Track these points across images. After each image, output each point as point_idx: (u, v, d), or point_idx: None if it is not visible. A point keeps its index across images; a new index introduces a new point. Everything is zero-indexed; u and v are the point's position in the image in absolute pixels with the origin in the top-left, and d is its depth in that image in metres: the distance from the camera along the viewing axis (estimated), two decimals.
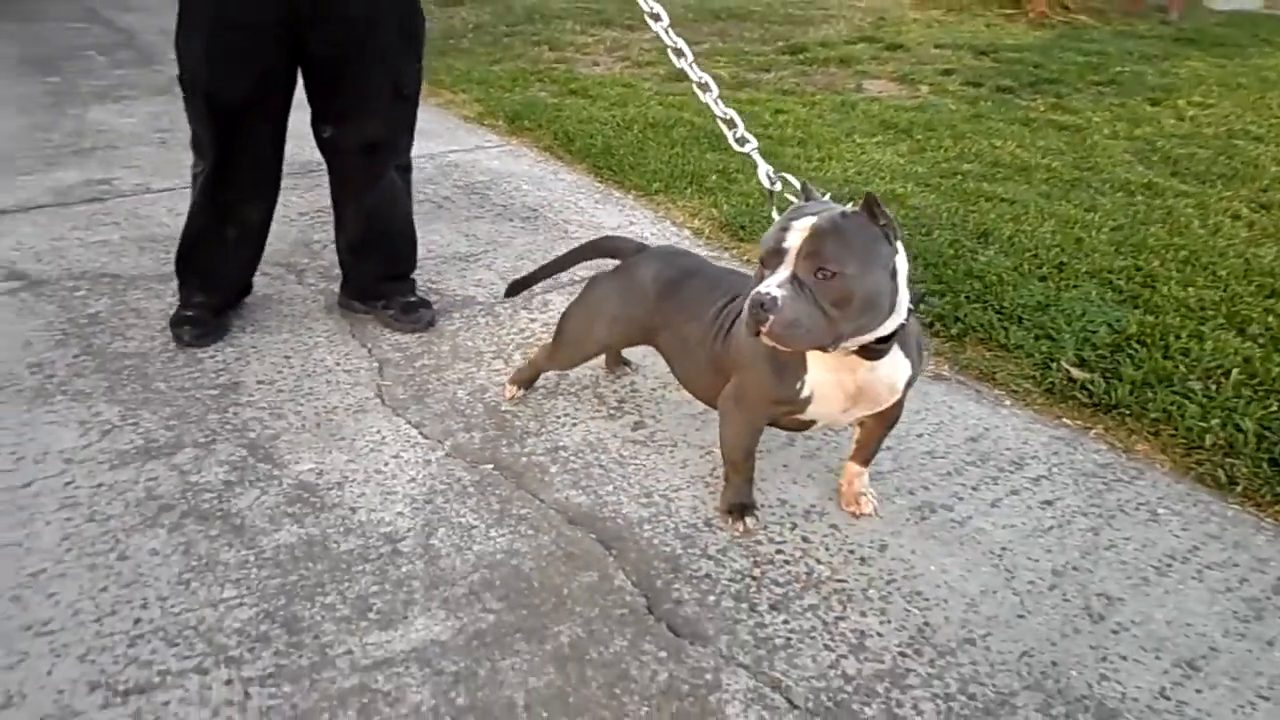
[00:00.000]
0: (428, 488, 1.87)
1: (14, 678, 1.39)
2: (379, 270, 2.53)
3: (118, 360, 2.29)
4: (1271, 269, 2.83)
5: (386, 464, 1.94)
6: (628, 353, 2.31)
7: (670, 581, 1.64)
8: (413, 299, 2.55)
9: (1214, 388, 2.21)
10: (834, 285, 1.40)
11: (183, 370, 2.26)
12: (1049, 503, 1.89)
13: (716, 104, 1.90)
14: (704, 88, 1.93)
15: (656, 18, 1.94)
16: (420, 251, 2.65)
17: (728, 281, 1.84)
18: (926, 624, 1.57)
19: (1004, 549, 1.75)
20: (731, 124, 1.89)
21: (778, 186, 1.79)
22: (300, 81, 2.31)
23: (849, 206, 1.49)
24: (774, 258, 1.44)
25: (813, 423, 1.69)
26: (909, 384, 1.66)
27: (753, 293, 1.42)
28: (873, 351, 1.53)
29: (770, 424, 1.73)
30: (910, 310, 1.55)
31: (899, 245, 1.48)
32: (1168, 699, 1.43)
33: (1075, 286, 2.70)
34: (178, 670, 1.42)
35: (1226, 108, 4.78)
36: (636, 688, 1.42)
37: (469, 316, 2.59)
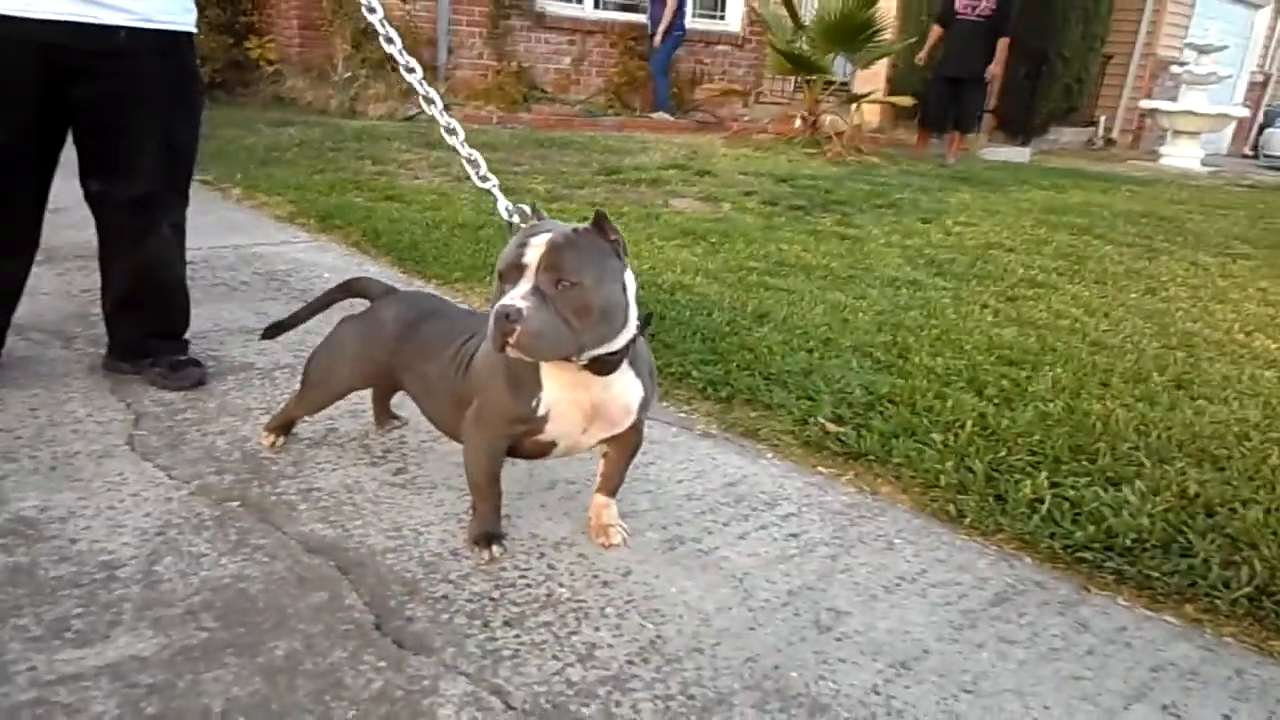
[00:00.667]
0: (162, 521, 1.78)
1: None
2: (147, 327, 2.45)
3: None
4: (1009, 344, 3.14)
5: (122, 501, 1.84)
6: (396, 407, 2.30)
7: (405, 602, 1.61)
8: (182, 358, 2.47)
9: (952, 438, 2.39)
10: (573, 295, 1.47)
11: None
12: (794, 535, 1.97)
13: (462, 145, 2.01)
14: (451, 132, 2.03)
15: (411, 70, 2.04)
16: (205, 324, 2.60)
17: (465, 321, 1.89)
18: (659, 637, 1.59)
19: (745, 574, 1.81)
20: (474, 163, 1.99)
21: (515, 219, 1.88)
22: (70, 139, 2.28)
23: (578, 224, 1.58)
24: (514, 272, 1.50)
25: (554, 445, 1.73)
26: (643, 405, 1.73)
27: (497, 306, 1.47)
28: (605, 364, 1.60)
29: (514, 452, 1.75)
30: (639, 330, 1.63)
31: (625, 263, 1.58)
32: (878, 694, 1.49)
33: (837, 357, 2.90)
34: None
35: (985, 227, 5.34)
36: (348, 694, 1.37)
37: (244, 380, 2.53)
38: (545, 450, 1.75)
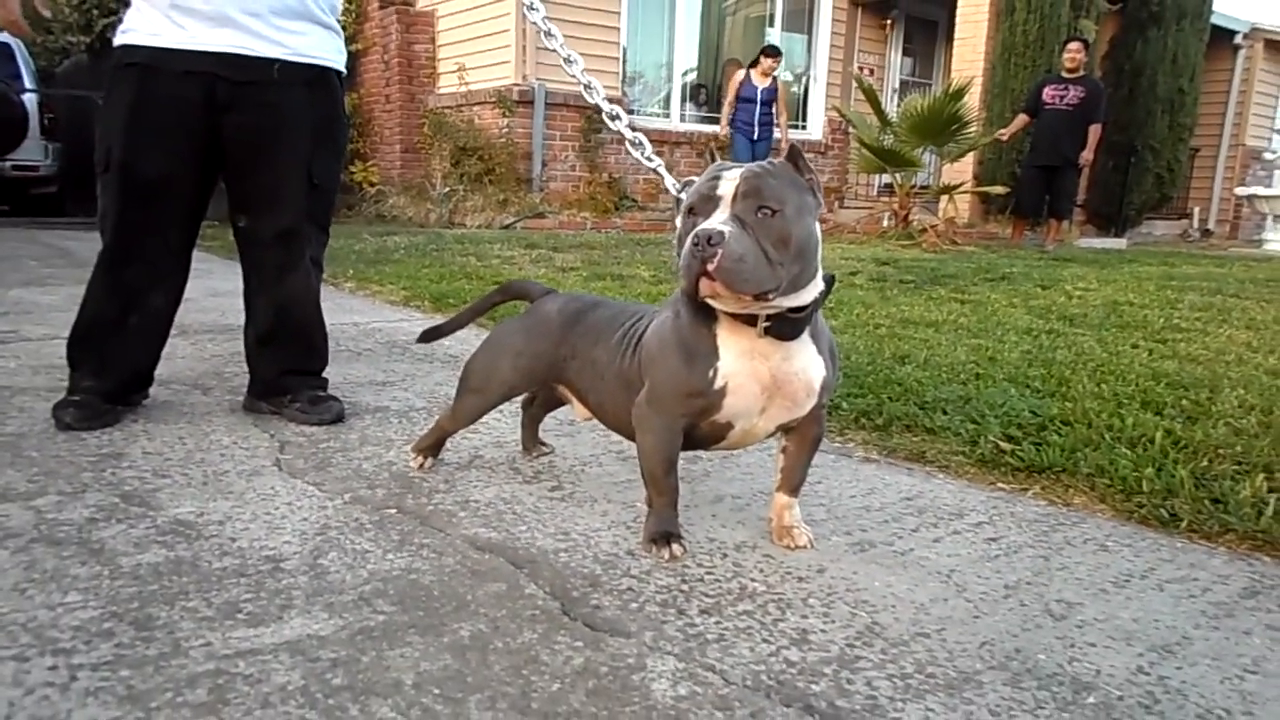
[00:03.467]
0: (320, 524, 1.69)
1: None
2: (287, 364, 2.42)
3: None
4: (1175, 374, 2.91)
5: (277, 508, 1.76)
6: (544, 434, 2.21)
7: (588, 593, 1.47)
8: (321, 393, 2.43)
9: (1142, 450, 2.18)
10: (774, 224, 1.37)
11: (61, 444, 2.07)
12: (993, 540, 1.78)
13: (627, 129, 1.99)
14: (614, 118, 2.01)
15: (570, 60, 2.03)
16: (336, 378, 2.58)
17: (632, 308, 1.81)
18: (875, 623, 1.41)
19: (952, 571, 1.62)
20: (639, 145, 1.96)
21: (683, 194, 1.79)
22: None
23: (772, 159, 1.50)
24: (707, 204, 1.41)
25: (730, 427, 1.59)
26: (825, 387, 1.59)
27: (695, 230, 1.37)
28: (787, 327, 1.48)
29: (688, 442, 1.62)
30: (825, 289, 1.52)
31: (820, 202, 1.48)
32: (1146, 674, 1.29)
33: (992, 387, 2.72)
34: None
35: (1108, 291, 5.12)
36: (548, 669, 1.22)
37: (380, 418, 2.47)
38: (721, 434, 1.61)
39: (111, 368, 2.28)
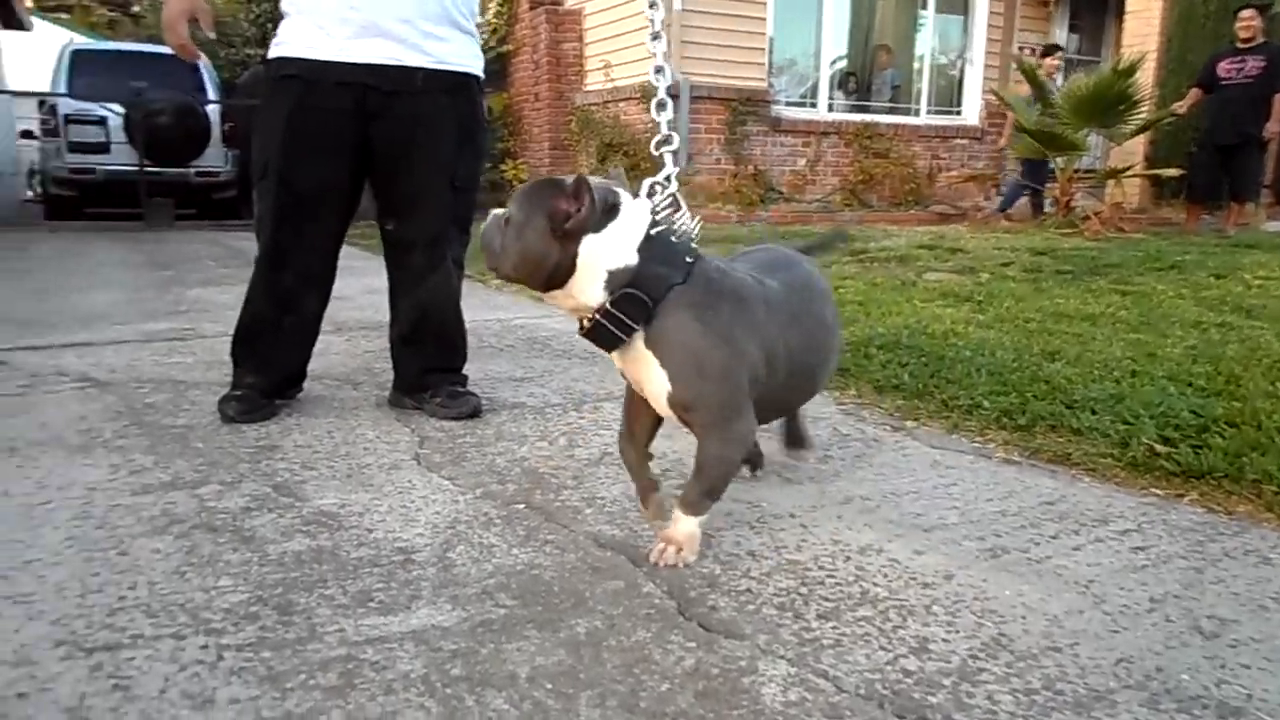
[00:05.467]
0: (451, 518, 1.76)
1: None
2: (428, 362, 2.52)
3: (162, 430, 2.28)
4: None
5: (412, 501, 1.84)
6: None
7: (706, 593, 1.47)
8: (460, 389, 2.52)
9: None
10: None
11: (224, 436, 2.23)
12: (1140, 549, 1.67)
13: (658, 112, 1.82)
14: (661, 107, 1.87)
15: (657, 36, 1.92)
16: (477, 375, 2.67)
17: None
18: (1002, 634, 1.36)
19: (1091, 581, 1.54)
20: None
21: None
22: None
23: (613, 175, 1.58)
24: None
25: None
26: (679, 406, 1.52)
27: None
28: (601, 331, 1.50)
29: None
30: (631, 300, 1.47)
31: (610, 230, 1.46)
32: None
33: (1150, 385, 2.55)
34: (151, 635, 1.29)
35: None
36: (658, 669, 1.23)
37: (517, 415, 2.54)
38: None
39: (269, 365, 2.44)
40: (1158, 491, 1.97)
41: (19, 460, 2.02)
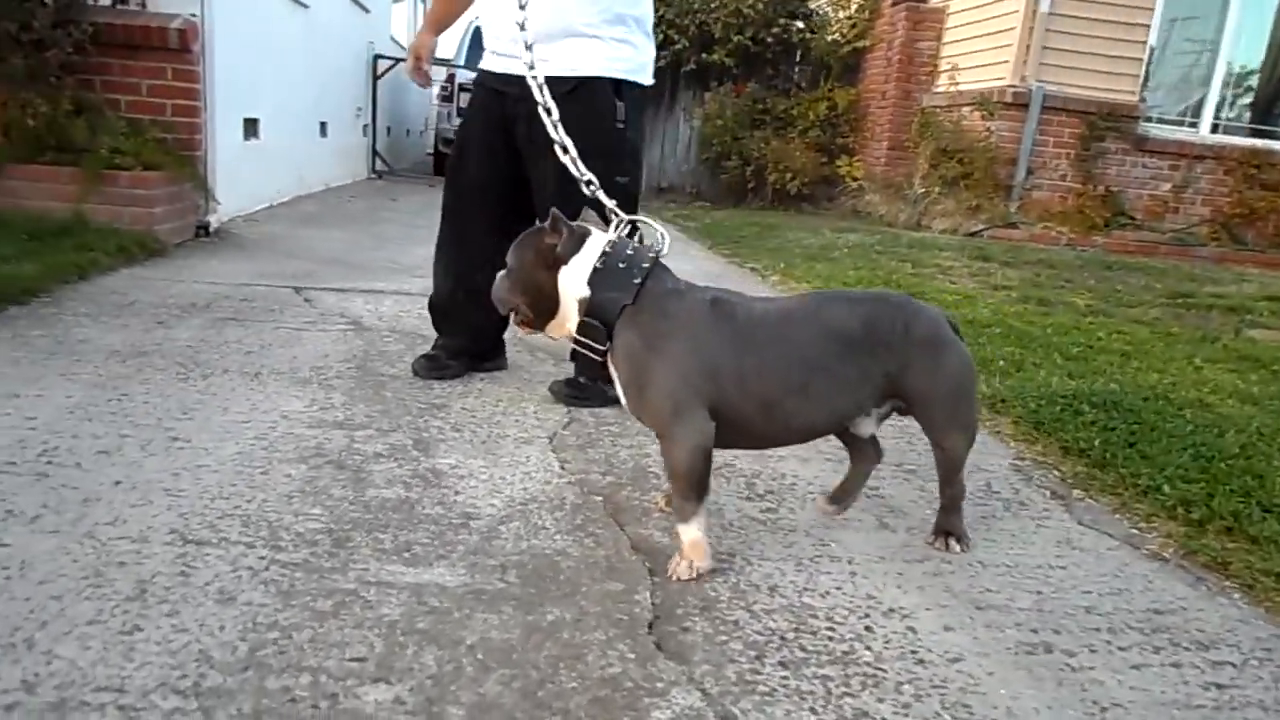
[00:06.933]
0: (530, 496, 1.95)
1: (124, 500, 1.68)
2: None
3: (373, 377, 2.70)
4: None
5: (515, 474, 2.06)
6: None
7: (692, 614, 1.54)
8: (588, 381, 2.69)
9: None
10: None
11: (412, 391, 2.60)
12: (1217, 685, 1.47)
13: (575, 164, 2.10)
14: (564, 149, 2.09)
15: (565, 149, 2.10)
16: None
17: None
18: None
19: (1114, 704, 1.39)
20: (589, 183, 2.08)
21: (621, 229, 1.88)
22: None
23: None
24: None
25: None
26: (633, 413, 1.72)
27: None
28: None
29: None
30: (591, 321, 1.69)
31: (574, 262, 1.69)
32: None
33: None
34: (233, 540, 1.62)
35: None
36: (580, 670, 1.34)
37: None
38: None
39: (452, 331, 2.80)
40: None
41: (254, 385, 2.51)
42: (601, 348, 1.68)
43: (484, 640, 1.39)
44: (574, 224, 1.71)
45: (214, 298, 3.52)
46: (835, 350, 1.69)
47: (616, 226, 1.83)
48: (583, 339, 1.69)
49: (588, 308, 1.68)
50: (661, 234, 1.81)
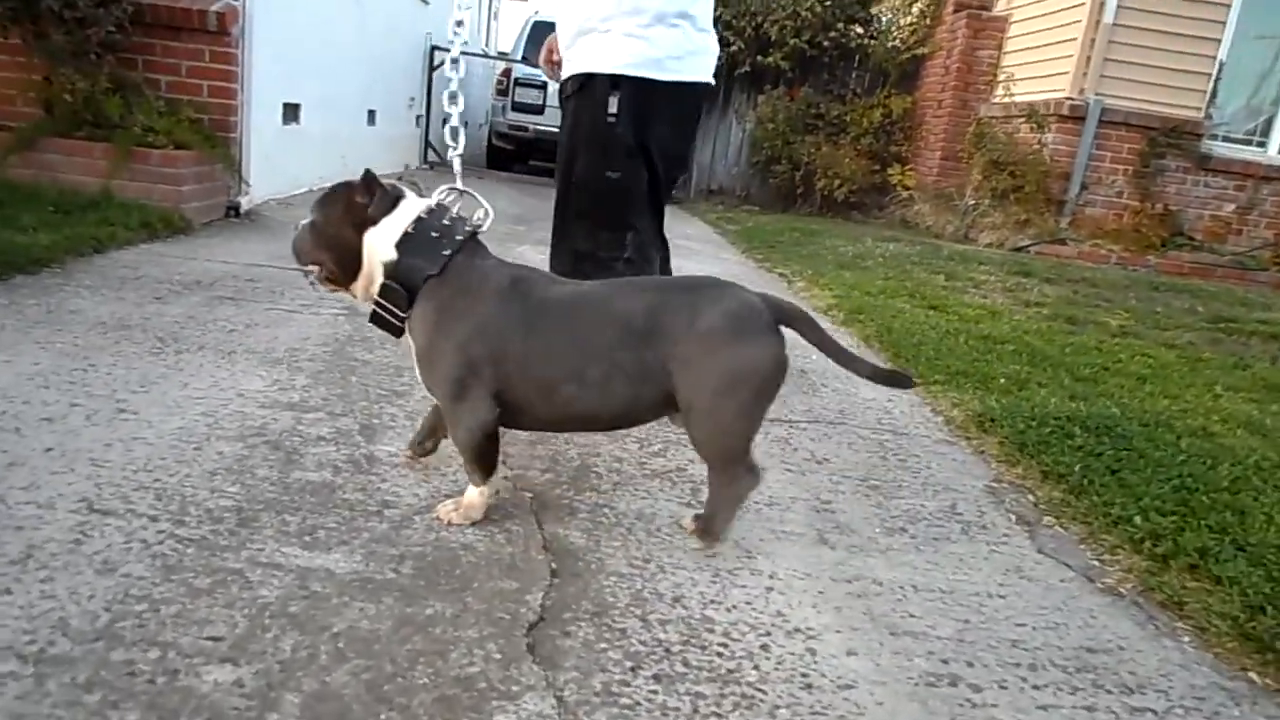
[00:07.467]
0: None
1: (46, 467, 1.70)
2: None
3: (345, 361, 2.70)
4: None
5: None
6: None
7: (579, 619, 1.49)
8: None
9: None
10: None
11: (378, 377, 2.59)
12: None
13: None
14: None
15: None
16: None
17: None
18: None
19: None
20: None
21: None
22: None
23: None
24: None
25: None
26: (423, 385, 1.73)
27: None
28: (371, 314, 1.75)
29: None
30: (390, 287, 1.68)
31: (383, 224, 1.68)
32: None
33: None
34: (140, 512, 1.62)
35: None
36: (439, 666, 1.31)
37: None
38: None
39: None
40: (1255, 676, 1.58)
41: (223, 363, 2.52)
42: (402, 314, 1.69)
43: (350, 629, 1.37)
44: (388, 183, 1.72)
45: (220, 276, 3.58)
46: (615, 338, 1.64)
47: (437, 195, 1.79)
48: (383, 302, 1.69)
49: (392, 270, 1.68)
50: (486, 210, 1.81)
